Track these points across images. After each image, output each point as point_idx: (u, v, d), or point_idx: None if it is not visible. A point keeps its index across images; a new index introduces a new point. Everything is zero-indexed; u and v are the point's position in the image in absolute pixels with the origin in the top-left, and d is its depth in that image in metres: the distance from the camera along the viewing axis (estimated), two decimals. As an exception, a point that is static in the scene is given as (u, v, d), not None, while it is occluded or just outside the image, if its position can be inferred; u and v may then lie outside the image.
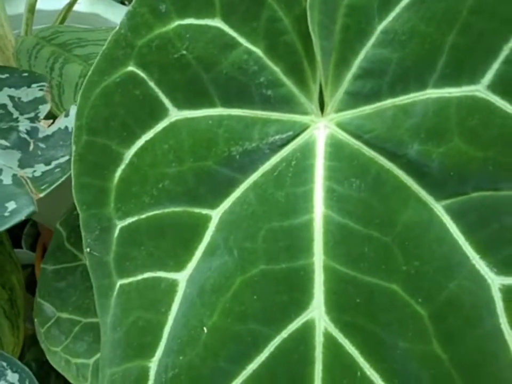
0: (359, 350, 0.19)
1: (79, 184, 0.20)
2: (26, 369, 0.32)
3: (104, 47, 0.20)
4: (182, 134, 0.21)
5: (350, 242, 0.20)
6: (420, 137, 0.19)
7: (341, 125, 0.21)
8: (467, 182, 0.19)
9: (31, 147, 0.31)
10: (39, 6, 0.40)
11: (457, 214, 0.19)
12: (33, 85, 0.34)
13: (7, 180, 0.29)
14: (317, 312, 0.20)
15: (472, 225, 0.19)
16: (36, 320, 0.38)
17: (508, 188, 0.19)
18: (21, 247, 0.60)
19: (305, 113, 0.22)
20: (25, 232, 0.61)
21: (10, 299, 0.41)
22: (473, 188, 0.19)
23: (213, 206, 0.22)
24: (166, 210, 0.21)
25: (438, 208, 0.20)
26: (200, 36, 0.21)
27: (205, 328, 0.20)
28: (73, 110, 0.31)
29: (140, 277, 0.21)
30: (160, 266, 0.21)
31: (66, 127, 0.32)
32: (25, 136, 0.31)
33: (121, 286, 0.22)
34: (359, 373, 0.18)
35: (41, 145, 0.31)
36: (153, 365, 0.20)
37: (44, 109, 0.33)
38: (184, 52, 0.21)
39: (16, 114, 0.33)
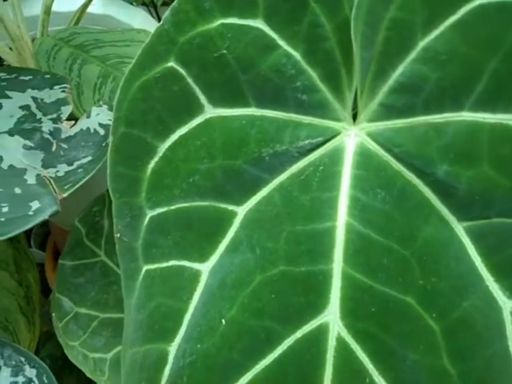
0: (370, 357, 0.20)
1: (114, 173, 0.21)
2: (44, 364, 0.33)
3: (146, 41, 0.20)
4: (215, 131, 0.22)
5: (369, 252, 0.21)
6: (449, 158, 0.20)
7: (372, 135, 0.22)
8: (491, 207, 0.19)
9: (54, 147, 0.32)
10: (53, 7, 0.40)
11: (477, 236, 0.20)
12: (56, 87, 0.34)
13: (31, 180, 0.30)
14: (331, 317, 0.20)
15: (490, 248, 0.20)
16: (53, 314, 0.39)
17: (531, 216, 0.19)
18: (30, 246, 0.60)
19: (337, 119, 0.22)
20: (34, 231, 0.62)
21: (26, 296, 0.42)
22: (496, 214, 0.19)
23: (239, 203, 0.22)
24: (194, 203, 0.22)
25: (459, 228, 0.20)
26: (241, 36, 0.21)
27: (223, 320, 0.21)
28: (94, 111, 0.32)
29: (164, 264, 0.22)
30: (184, 255, 0.22)
31: (88, 128, 0.32)
32: (48, 136, 0.32)
33: (147, 270, 0.23)
34: (367, 379, 0.19)
35: (64, 145, 0.32)
36: (172, 349, 0.21)
37: (66, 110, 0.33)
38: (225, 51, 0.21)
39: (39, 115, 0.33)
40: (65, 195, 0.30)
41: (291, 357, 0.20)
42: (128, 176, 0.21)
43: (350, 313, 0.20)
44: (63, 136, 0.33)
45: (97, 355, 0.37)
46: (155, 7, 0.65)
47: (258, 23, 0.21)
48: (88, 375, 0.36)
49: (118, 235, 0.22)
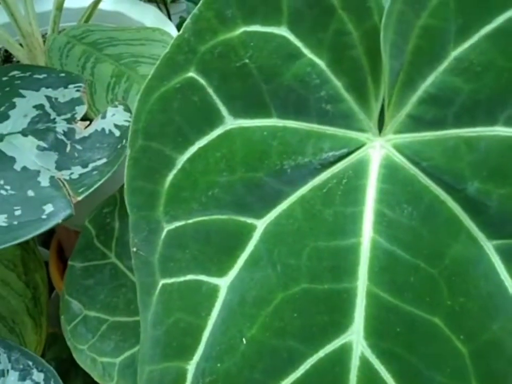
0: (394, 378, 0.19)
1: (132, 187, 0.20)
2: (51, 368, 0.32)
3: (166, 51, 0.19)
4: (236, 143, 0.21)
5: (395, 270, 0.20)
6: (482, 175, 0.19)
7: (398, 148, 0.21)
8: (525, 227, 0.19)
9: (68, 148, 0.31)
10: (65, 3, 0.39)
11: (507, 255, 0.19)
12: (70, 86, 0.33)
13: (45, 182, 0.29)
14: (355, 336, 0.20)
15: (523, 269, 0.19)
16: (62, 317, 0.38)
17: None
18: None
19: (362, 130, 0.21)
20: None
21: (34, 297, 0.41)
22: (530, 234, 0.18)
23: (259, 216, 0.22)
24: (213, 217, 0.21)
25: (489, 246, 0.19)
26: (264, 45, 0.20)
27: (244, 339, 0.20)
28: (110, 112, 0.31)
29: (182, 278, 0.22)
30: (202, 270, 0.22)
31: (103, 129, 0.31)
32: (62, 137, 0.31)
33: (163, 285, 0.22)
34: (393, 403, 0.19)
35: (78, 147, 0.31)
36: (191, 367, 0.21)
37: (81, 110, 0.32)
38: (247, 61, 0.20)
39: (53, 115, 0.32)
40: (79, 198, 0.29)
41: (314, 377, 0.20)
42: (146, 190, 0.21)
43: (375, 333, 0.20)
44: (77, 137, 0.32)
45: (106, 359, 0.36)
46: (165, 4, 0.64)
47: (283, 31, 0.20)
48: (97, 379, 0.36)
49: (135, 249, 0.21)
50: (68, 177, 0.30)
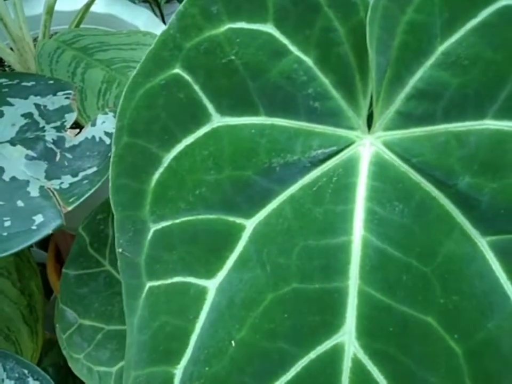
0: (388, 379, 0.19)
1: (117, 185, 0.20)
2: (47, 377, 0.31)
3: (151, 47, 0.19)
4: (223, 141, 0.21)
5: (387, 269, 0.19)
6: (473, 170, 0.19)
7: (388, 145, 0.21)
8: (518, 221, 0.18)
9: (58, 157, 0.30)
10: (56, 6, 0.39)
11: (502, 252, 0.19)
12: (59, 93, 0.33)
13: (34, 192, 0.29)
14: (347, 337, 0.19)
15: (517, 265, 0.18)
16: (57, 326, 0.38)
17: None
18: (31, 246, 0.59)
19: (351, 128, 0.21)
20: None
21: (29, 305, 0.41)
22: (524, 228, 0.18)
23: (248, 215, 0.21)
24: (200, 216, 0.21)
25: (483, 243, 0.19)
26: (250, 42, 0.20)
27: (233, 342, 0.20)
28: (100, 119, 0.30)
29: (169, 281, 0.21)
30: (190, 271, 0.21)
31: (93, 137, 0.31)
32: (52, 146, 0.31)
33: (150, 288, 0.21)
34: (386, 405, 0.18)
35: (68, 155, 0.30)
36: (178, 372, 0.20)
37: (70, 118, 0.32)
38: (233, 57, 0.20)
39: (42, 123, 0.32)
40: (69, 208, 0.28)
41: (305, 379, 0.19)
42: (131, 188, 0.20)
43: (367, 333, 0.19)
44: (67, 145, 0.32)
45: (102, 368, 0.36)
46: (158, 5, 0.64)
47: (269, 28, 0.20)
48: (94, 388, 0.35)
49: (120, 250, 0.21)
50: (57, 187, 0.30)
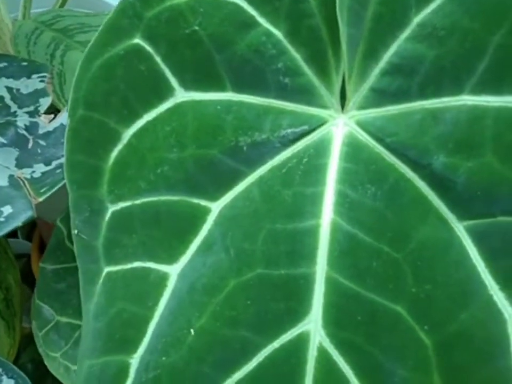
0: (354, 370, 0.17)
1: (72, 161, 0.19)
2: (23, 374, 0.30)
3: (108, 16, 0.18)
4: (187, 117, 0.19)
5: (357, 255, 0.18)
6: (448, 148, 0.17)
7: (362, 124, 0.19)
8: (495, 204, 0.17)
9: (30, 144, 0.29)
10: None
11: (479, 237, 0.17)
12: (34, 76, 0.31)
13: (3, 181, 0.27)
14: (313, 325, 0.18)
15: (494, 251, 0.17)
16: (33, 322, 0.36)
17: (541, 214, 0.17)
18: (17, 237, 0.58)
19: (323, 106, 0.20)
20: (21, 222, 0.60)
21: (5, 298, 0.40)
22: (502, 211, 0.17)
23: (214, 198, 0.20)
24: (163, 197, 0.20)
25: (460, 228, 0.18)
26: (215, 11, 0.19)
27: (192, 330, 0.19)
28: None
29: (128, 266, 0.20)
30: (151, 256, 0.20)
31: None
32: (24, 132, 0.29)
33: (108, 273, 0.20)
34: (351, 398, 0.17)
35: (41, 142, 0.29)
36: (134, 361, 0.19)
37: (45, 103, 0.30)
38: (196, 28, 0.19)
39: (14, 107, 0.30)
40: (41, 199, 0.27)
41: (268, 369, 0.18)
42: (87, 165, 0.19)
43: (333, 322, 0.18)
44: (40, 131, 0.31)
45: (79, 367, 0.34)
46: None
47: (235, -3, 0.19)
48: (71, 389, 0.34)
49: (76, 231, 0.20)
50: (29, 176, 0.29)
